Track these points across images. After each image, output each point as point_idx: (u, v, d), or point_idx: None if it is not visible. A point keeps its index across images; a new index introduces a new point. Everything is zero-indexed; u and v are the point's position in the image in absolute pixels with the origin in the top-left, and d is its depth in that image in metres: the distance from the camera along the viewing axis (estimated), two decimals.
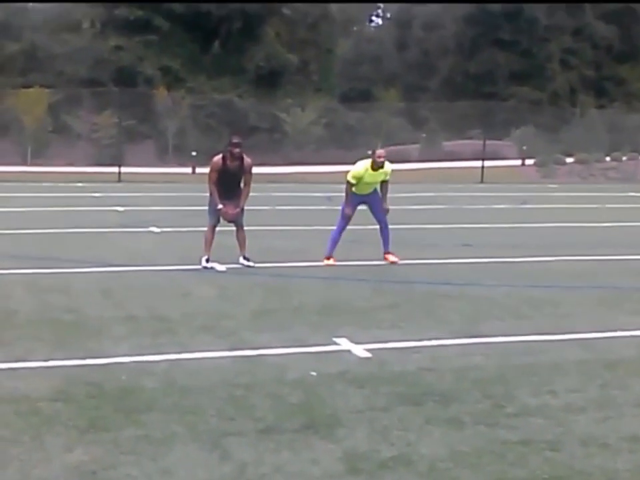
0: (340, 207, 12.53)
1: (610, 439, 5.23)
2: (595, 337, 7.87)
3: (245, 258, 11.70)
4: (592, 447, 5.11)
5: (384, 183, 12.29)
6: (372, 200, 12.37)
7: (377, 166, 11.98)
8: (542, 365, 6.86)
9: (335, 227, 12.36)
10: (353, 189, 12.10)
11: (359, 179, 11.97)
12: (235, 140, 11.50)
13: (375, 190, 12.35)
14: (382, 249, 12.40)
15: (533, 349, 7.40)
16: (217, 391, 6.03)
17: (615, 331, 8.06)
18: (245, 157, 11.49)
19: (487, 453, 4.97)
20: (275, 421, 5.45)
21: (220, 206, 11.41)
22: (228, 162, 11.41)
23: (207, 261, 11.49)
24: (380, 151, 12.17)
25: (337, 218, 12.40)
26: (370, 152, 12.47)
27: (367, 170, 11.97)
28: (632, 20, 67.72)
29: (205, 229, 11.73)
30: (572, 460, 4.90)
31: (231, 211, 11.51)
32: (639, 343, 7.74)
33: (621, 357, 7.15)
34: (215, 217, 11.68)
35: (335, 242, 12.21)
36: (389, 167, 12.19)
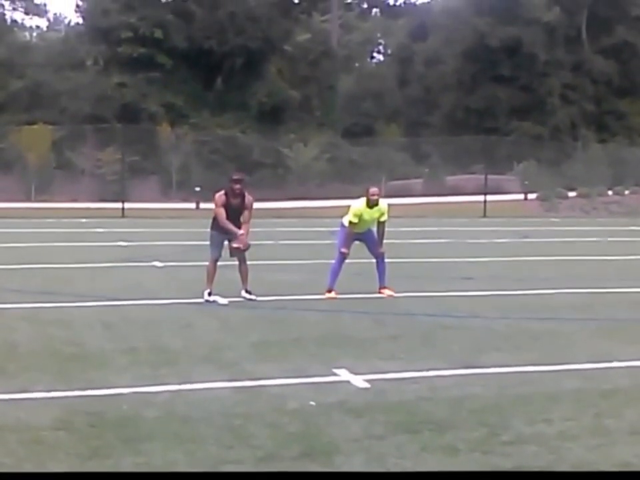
0: (336, 242, 12.63)
1: (602, 466, 5.30)
2: (591, 367, 7.94)
3: (247, 291, 11.80)
4: None
5: (381, 224, 12.30)
6: (367, 236, 12.41)
7: (372, 203, 11.99)
8: (538, 394, 6.94)
9: (333, 261, 12.43)
10: (347, 223, 12.19)
11: (359, 217, 12.03)
12: (236, 177, 11.64)
13: (370, 228, 12.40)
14: (377, 284, 12.45)
15: (529, 379, 7.49)
16: (217, 421, 6.12)
17: (611, 361, 8.14)
18: (246, 194, 11.63)
19: None
20: (273, 449, 5.53)
21: (241, 231, 11.42)
22: (230, 199, 11.55)
23: (209, 294, 11.59)
24: (373, 189, 12.13)
25: (335, 253, 12.47)
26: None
27: (364, 208, 12.02)
28: (631, 55, 68.09)
29: (207, 263, 11.86)
30: None
31: (243, 245, 11.56)
32: (634, 372, 7.82)
33: (616, 387, 7.23)
34: (217, 250, 11.80)
35: (335, 274, 12.26)
36: (384, 205, 12.23)
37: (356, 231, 12.19)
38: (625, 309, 11.59)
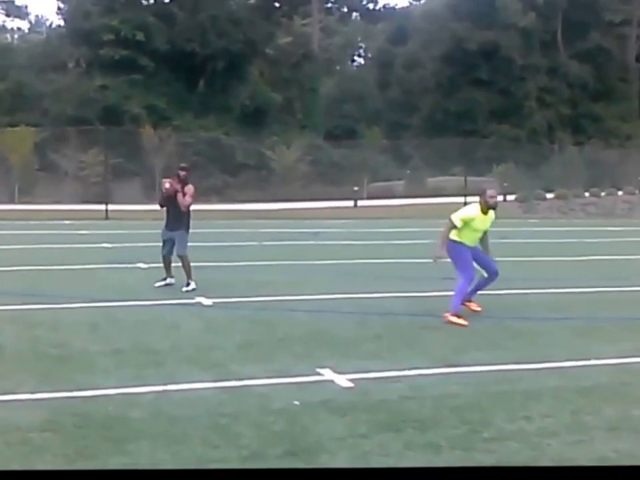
0: (457, 263, 10.74)
1: (581, 462, 5.43)
2: (569, 365, 8.09)
3: (187, 284, 12.63)
4: None
5: (485, 233, 10.92)
6: (476, 252, 10.91)
7: (487, 207, 10.61)
8: (518, 392, 7.07)
9: (461, 280, 10.72)
10: (456, 237, 10.58)
11: (467, 223, 10.53)
12: (182, 165, 13.25)
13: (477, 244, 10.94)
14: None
15: (510, 377, 7.61)
16: (202, 420, 6.20)
17: (589, 359, 8.29)
18: (188, 183, 12.87)
19: None
20: (259, 448, 5.62)
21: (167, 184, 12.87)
22: (174, 185, 12.83)
23: (163, 279, 12.93)
24: (491, 191, 10.75)
25: (462, 275, 10.73)
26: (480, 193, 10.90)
27: (477, 214, 10.60)
28: (605, 59, 69.54)
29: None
30: None
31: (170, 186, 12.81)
32: (611, 370, 7.97)
33: (594, 384, 7.38)
34: (163, 243, 13.14)
35: (461, 298, 10.74)
36: (493, 215, 10.86)
37: (467, 242, 10.64)
38: (602, 308, 11.78)
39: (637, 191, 44.34)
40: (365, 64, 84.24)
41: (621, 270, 16.84)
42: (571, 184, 44.58)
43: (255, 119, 56.35)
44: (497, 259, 18.04)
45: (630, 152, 54.55)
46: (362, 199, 42.48)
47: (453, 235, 10.54)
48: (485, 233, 10.89)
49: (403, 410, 6.52)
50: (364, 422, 6.20)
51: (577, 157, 51.85)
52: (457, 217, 10.53)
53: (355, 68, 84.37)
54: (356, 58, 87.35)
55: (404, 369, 7.74)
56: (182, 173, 12.93)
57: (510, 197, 42.55)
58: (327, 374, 7.55)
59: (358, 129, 63.15)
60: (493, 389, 7.15)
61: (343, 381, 7.33)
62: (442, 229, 10.66)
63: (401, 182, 52.10)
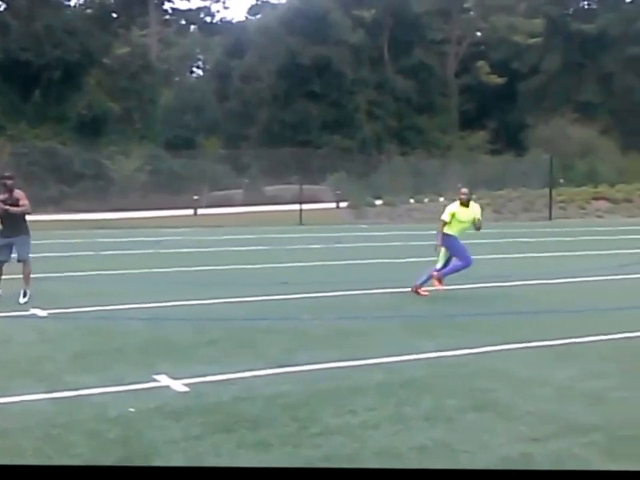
0: (452, 251, 13.40)
1: (401, 450, 5.79)
2: (392, 360, 8.52)
3: (24, 293, 12.47)
4: (385, 457, 5.65)
5: (478, 220, 13.35)
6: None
7: (464, 202, 13.26)
8: (345, 388, 7.42)
9: (459, 263, 13.36)
10: (449, 230, 13.21)
11: (453, 216, 13.18)
12: (7, 174, 13.06)
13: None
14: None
15: (337, 374, 7.96)
16: (35, 432, 6.19)
17: (410, 354, 8.77)
18: (15, 189, 12.78)
19: None
20: (92, 456, 5.69)
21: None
22: (1, 194, 12.66)
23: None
24: (463, 189, 13.51)
25: (460, 259, 13.32)
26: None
27: (458, 208, 13.27)
28: (427, 75, 73.68)
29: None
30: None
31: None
32: (429, 363, 8.49)
33: (413, 377, 7.83)
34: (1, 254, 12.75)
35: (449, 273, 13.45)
36: (477, 207, 13.51)
37: (458, 234, 13.30)
38: (426, 305, 12.46)
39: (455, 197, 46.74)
40: (203, 76, 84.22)
41: None
42: (397, 191, 46.49)
43: (92, 128, 55.34)
44: (331, 262, 18.94)
45: (449, 161, 58.05)
46: (202, 207, 42.50)
47: (447, 230, 13.19)
48: (474, 221, 13.28)
49: (237, 411, 6.73)
50: (198, 424, 6.37)
51: (403, 166, 54.36)
52: (445, 214, 13.26)
53: (193, 79, 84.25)
54: (194, 69, 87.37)
55: (238, 372, 7.95)
56: (8, 182, 12.85)
57: (343, 204, 44.04)
58: (163, 380, 7.67)
59: (197, 139, 63.22)
60: (322, 386, 7.47)
61: (178, 386, 7.47)
62: (438, 227, 13.34)
63: (240, 191, 52.43)
